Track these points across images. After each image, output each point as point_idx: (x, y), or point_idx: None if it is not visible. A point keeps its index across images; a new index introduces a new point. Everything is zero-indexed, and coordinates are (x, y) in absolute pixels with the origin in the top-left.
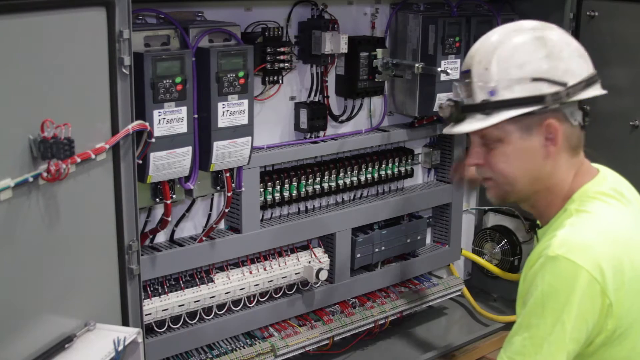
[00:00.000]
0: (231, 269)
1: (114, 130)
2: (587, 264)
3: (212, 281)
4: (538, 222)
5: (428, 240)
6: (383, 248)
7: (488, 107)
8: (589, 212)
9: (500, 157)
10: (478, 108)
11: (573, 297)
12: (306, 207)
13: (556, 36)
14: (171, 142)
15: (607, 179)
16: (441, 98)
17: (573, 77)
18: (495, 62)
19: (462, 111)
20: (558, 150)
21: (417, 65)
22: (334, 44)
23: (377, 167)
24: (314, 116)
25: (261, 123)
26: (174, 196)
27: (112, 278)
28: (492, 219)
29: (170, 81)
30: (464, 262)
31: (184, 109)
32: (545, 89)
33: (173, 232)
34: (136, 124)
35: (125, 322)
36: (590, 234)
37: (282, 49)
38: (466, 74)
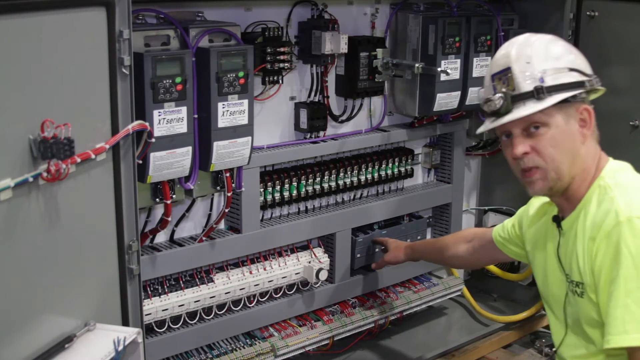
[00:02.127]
0: (231, 269)
1: (114, 130)
2: None
3: (212, 281)
4: (559, 215)
5: None
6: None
7: (542, 92)
8: (624, 181)
9: (548, 141)
10: (533, 94)
11: None
12: (306, 207)
13: (563, 40)
14: (171, 142)
15: (618, 161)
16: (441, 98)
17: (590, 71)
18: (535, 57)
19: (513, 101)
20: (590, 135)
21: (417, 65)
22: (334, 44)
23: (377, 167)
24: (314, 116)
25: (261, 123)
26: (174, 196)
27: (112, 278)
28: (492, 219)
29: (170, 81)
30: None
31: (184, 109)
32: (580, 77)
33: (173, 232)
34: (136, 124)
35: (125, 322)
36: None
37: (282, 49)
38: (505, 70)
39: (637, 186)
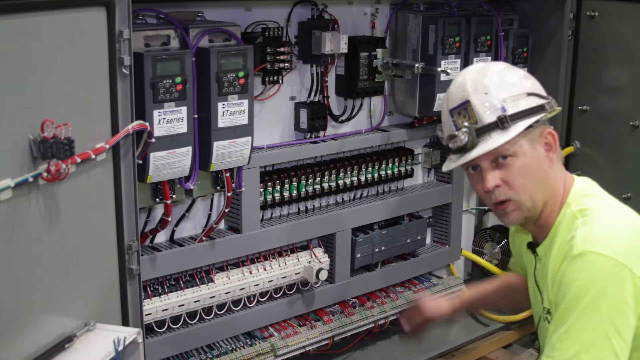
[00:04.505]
0: (231, 269)
1: (114, 130)
2: (612, 253)
3: (212, 281)
4: (533, 241)
5: (428, 240)
6: (383, 248)
7: (505, 121)
8: (590, 207)
9: (518, 171)
10: (497, 124)
11: (607, 287)
12: (306, 207)
13: (514, 66)
14: (171, 142)
15: (582, 179)
16: (441, 98)
17: (545, 93)
18: (491, 86)
19: (478, 134)
20: (556, 157)
21: (417, 65)
22: (334, 44)
23: (377, 167)
24: (314, 116)
25: (261, 123)
26: (174, 196)
27: (112, 278)
28: (492, 219)
29: (170, 81)
30: (464, 262)
31: (184, 109)
32: (540, 100)
33: (173, 232)
34: (136, 124)
35: (125, 322)
36: (606, 227)
37: (282, 49)
38: (464, 104)
39: (599, 214)
